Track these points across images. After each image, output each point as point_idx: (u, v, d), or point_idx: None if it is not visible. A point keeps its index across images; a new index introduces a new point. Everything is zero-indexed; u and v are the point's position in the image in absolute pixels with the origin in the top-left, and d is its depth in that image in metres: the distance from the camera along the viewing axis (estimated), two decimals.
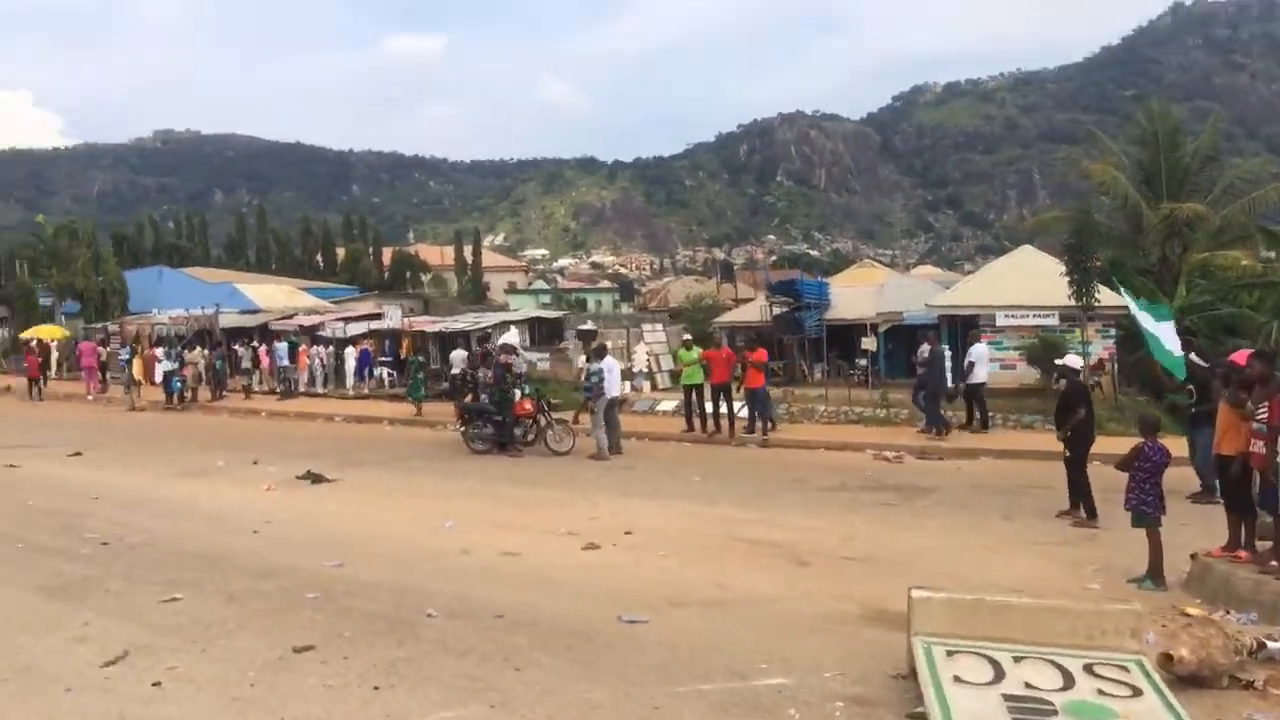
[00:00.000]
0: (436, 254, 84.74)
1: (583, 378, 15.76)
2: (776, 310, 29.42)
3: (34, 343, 34.39)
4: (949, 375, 18.30)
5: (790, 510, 10.82)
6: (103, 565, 8.43)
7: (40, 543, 9.35)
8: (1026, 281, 24.11)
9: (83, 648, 6.23)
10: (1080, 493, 10.04)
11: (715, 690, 5.39)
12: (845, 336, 28.91)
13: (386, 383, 27.52)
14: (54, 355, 35.56)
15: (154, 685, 5.56)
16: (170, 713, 5.17)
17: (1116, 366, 21.41)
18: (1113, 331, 23.07)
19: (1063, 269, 20.48)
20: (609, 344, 19.05)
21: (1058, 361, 11.57)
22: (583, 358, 15.88)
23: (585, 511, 10.76)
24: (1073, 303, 20.33)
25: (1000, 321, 23.60)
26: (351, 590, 7.52)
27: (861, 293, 31.36)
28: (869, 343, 24.29)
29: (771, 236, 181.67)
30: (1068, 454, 10.10)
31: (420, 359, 23.69)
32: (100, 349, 31.90)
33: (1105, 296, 20.76)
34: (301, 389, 27.63)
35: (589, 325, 28.38)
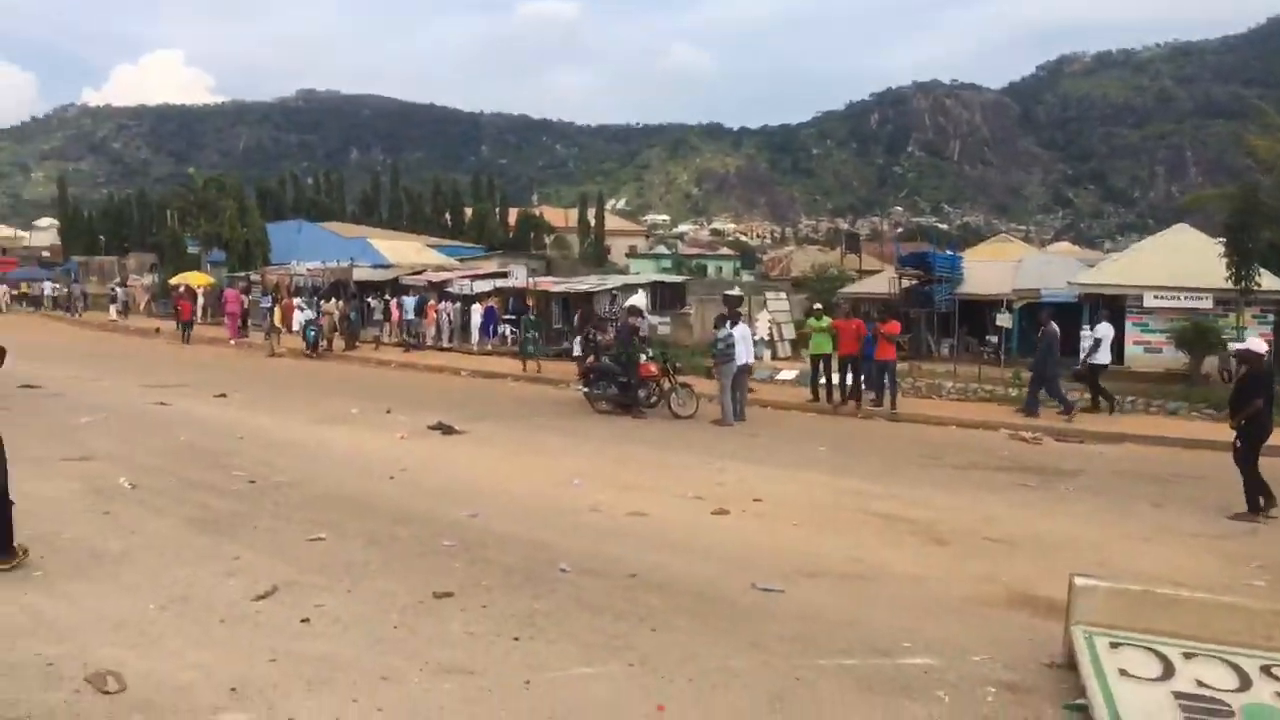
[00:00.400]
0: (560, 216, 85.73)
1: (714, 343, 15.57)
2: (905, 283, 28.63)
3: (182, 288, 36.27)
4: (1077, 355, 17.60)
5: (923, 487, 10.48)
6: (250, 502, 8.76)
7: (191, 478, 9.77)
8: (1178, 261, 22.79)
9: (234, 581, 6.45)
10: (1255, 489, 9.35)
11: (858, 666, 5.23)
12: (976, 312, 27.94)
13: (509, 340, 27.98)
14: (200, 301, 37.35)
15: (302, 621, 5.71)
16: (319, 649, 5.29)
17: (1274, 354, 20.08)
18: (1270, 317, 21.65)
19: (1220, 250, 19.24)
20: (742, 310, 18.74)
21: (1237, 346, 10.83)
22: (727, 321, 15.67)
23: (711, 476, 10.66)
24: (1230, 285, 19.10)
25: (1149, 303, 22.41)
26: (485, 540, 7.61)
27: (996, 268, 30.23)
28: (1005, 319, 23.39)
29: (899, 208, 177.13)
30: (1238, 445, 9.42)
31: (532, 317, 24.06)
32: (243, 297, 33.39)
33: (1266, 280, 19.45)
34: (429, 343, 28.36)
35: (736, 291, 28.14)
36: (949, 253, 33.15)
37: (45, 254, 77.23)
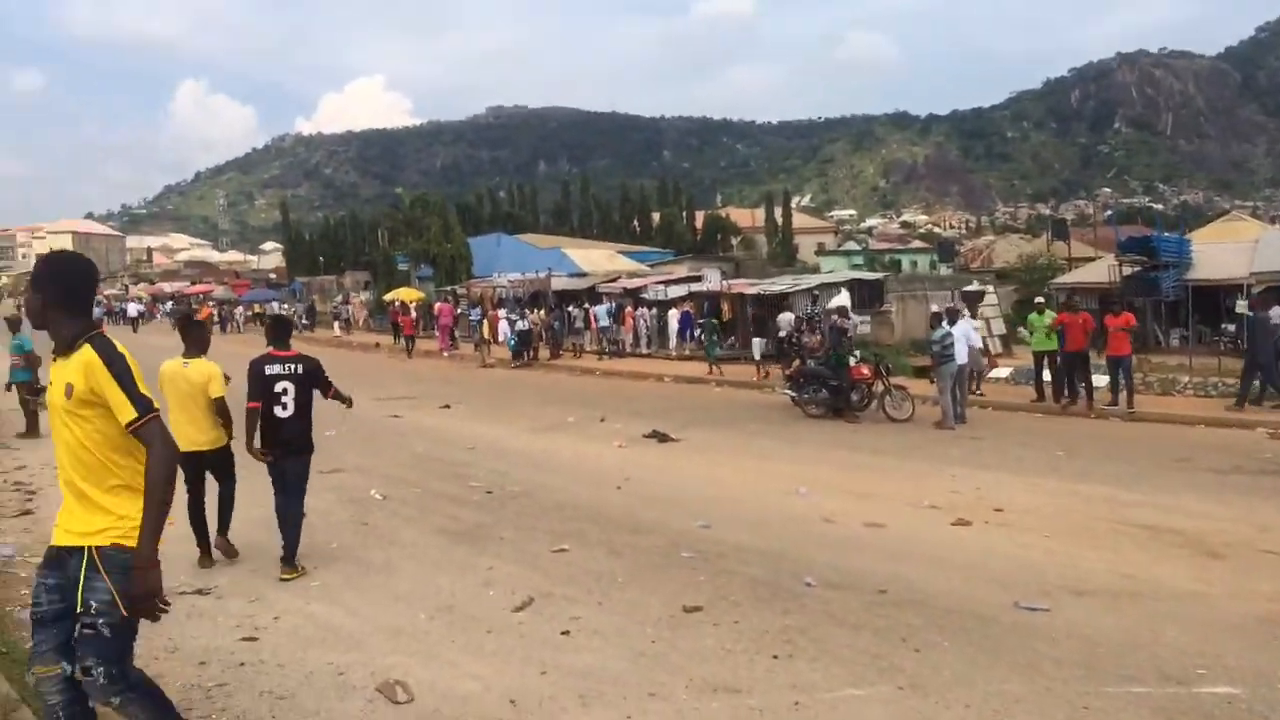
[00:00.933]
0: (745, 216, 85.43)
1: (931, 342, 15.03)
2: (1127, 270, 26.74)
3: (397, 304, 38.44)
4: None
5: (1181, 493, 9.69)
6: (492, 513, 9.10)
7: (434, 488, 10.26)
8: None
9: (492, 591, 6.70)
10: None
11: (1151, 694, 4.84)
12: (1208, 299, 25.78)
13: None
14: (413, 315, 39.44)
15: (563, 634, 5.85)
16: (584, 662, 5.40)
17: None
18: None
19: None
20: (960, 308, 18.03)
21: None
22: (944, 319, 15.14)
23: (943, 484, 10.25)
24: None
25: None
26: (723, 552, 7.59)
27: (1229, 249, 27.76)
28: (1243, 306, 21.45)
29: (1106, 189, 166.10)
30: None
31: (714, 320, 24.16)
32: (453, 310, 35.01)
33: None
34: (628, 349, 28.83)
35: (975, 286, 27.20)
36: (1175, 235, 30.71)
37: (272, 275, 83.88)
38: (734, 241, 71.60)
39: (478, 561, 7.45)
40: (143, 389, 3.25)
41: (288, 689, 5.06)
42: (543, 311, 30.68)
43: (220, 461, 7.46)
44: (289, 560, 7.07)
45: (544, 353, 28.43)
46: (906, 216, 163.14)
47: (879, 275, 33.41)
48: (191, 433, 7.19)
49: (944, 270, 53.28)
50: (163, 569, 3.23)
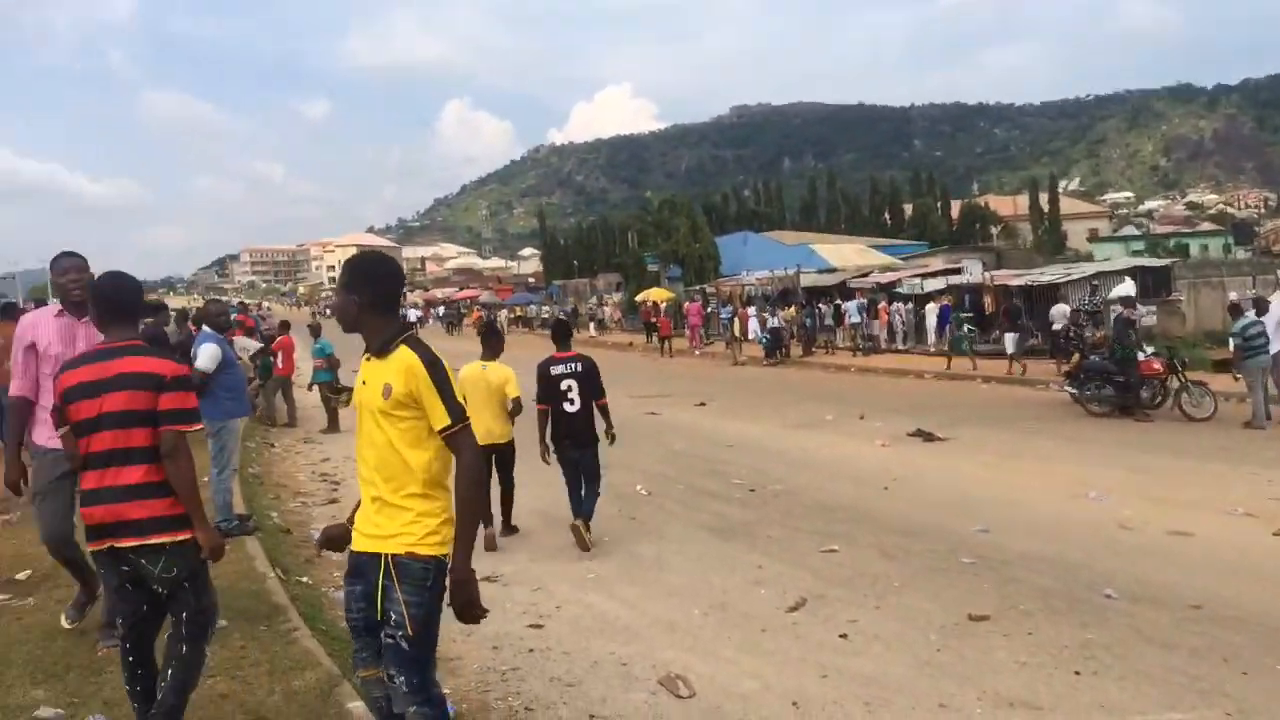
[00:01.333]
0: (1006, 204, 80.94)
1: (1234, 333, 13.52)
2: None
3: (649, 304, 39.40)
4: None
5: None
6: (756, 510, 9.05)
7: (697, 485, 10.34)
8: None
9: (764, 590, 6.63)
10: None
11: None
12: None
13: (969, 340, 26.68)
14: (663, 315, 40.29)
15: (840, 637, 5.68)
16: (865, 667, 5.21)
17: None
18: None
19: None
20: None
21: None
22: (1251, 308, 13.62)
23: (1258, 489, 9.17)
24: None
25: None
26: (1007, 559, 7.13)
27: None
28: None
29: None
30: None
31: (962, 314, 22.98)
32: (703, 309, 35.41)
33: None
34: (883, 345, 27.99)
35: None
36: None
37: (531, 280, 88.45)
38: (993, 231, 67.98)
39: (746, 559, 7.41)
40: (458, 396, 3.21)
41: (575, 676, 5.21)
42: (793, 309, 30.39)
43: (509, 455, 8.17)
44: (588, 515, 7.92)
45: (796, 350, 28.15)
46: (1192, 197, 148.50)
47: (1164, 262, 30.58)
48: (488, 427, 7.86)
49: (1240, 254, 48.00)
50: (450, 540, 3.27)
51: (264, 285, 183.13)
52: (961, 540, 7.72)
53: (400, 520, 3.16)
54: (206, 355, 7.92)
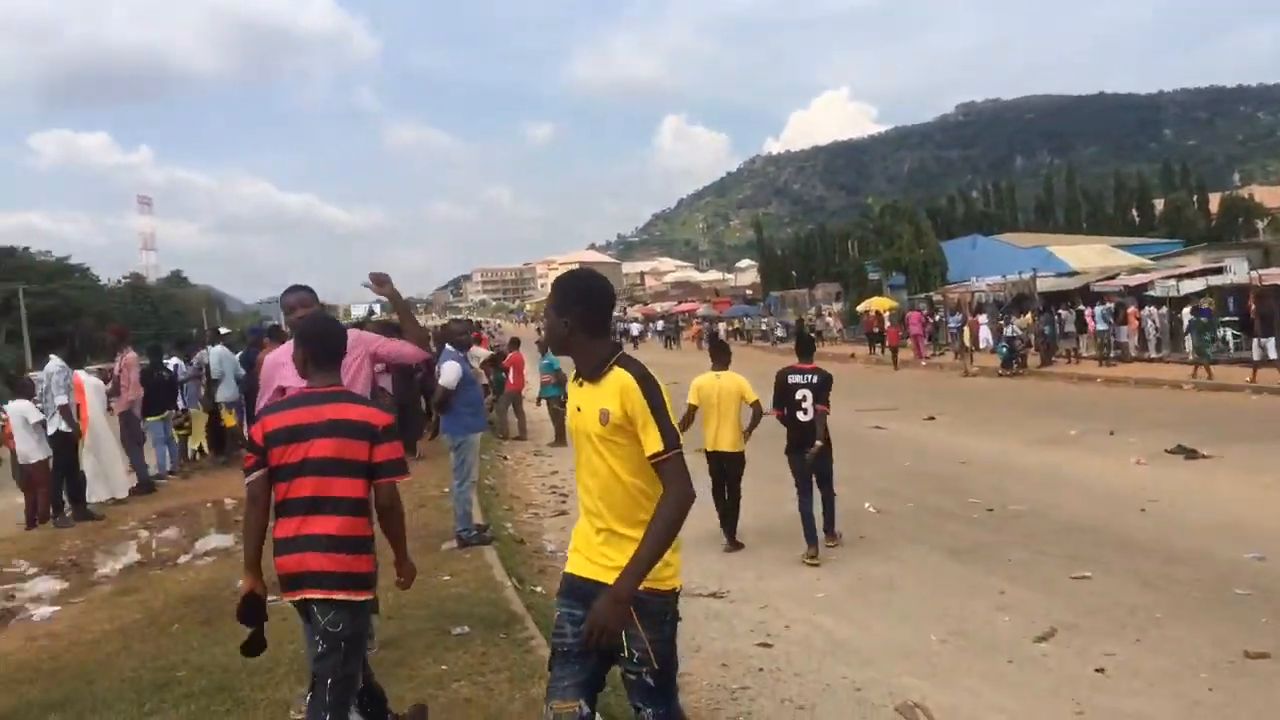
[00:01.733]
0: (1274, 195, 73.21)
1: None
2: None
3: (872, 313, 38.43)
4: None
5: None
6: (995, 532, 8.56)
7: (930, 504, 9.91)
8: None
9: (1007, 617, 6.24)
10: None
11: None
12: None
13: (1231, 346, 24.24)
14: (886, 324, 39.15)
15: (1096, 671, 5.26)
16: (1127, 706, 4.79)
17: None
18: None
19: None
20: None
21: None
22: None
23: None
24: None
25: None
26: None
27: None
28: None
29: None
30: None
31: (1203, 319, 20.83)
32: (926, 318, 34.09)
33: None
34: (1132, 353, 25.92)
35: None
36: None
37: (748, 292, 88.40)
38: (1259, 225, 61.56)
39: (986, 583, 7.01)
40: (673, 421, 2.95)
41: (807, 699, 5.10)
42: (1029, 315, 28.71)
43: (736, 465, 8.42)
44: (829, 530, 8.30)
45: (1033, 360, 26.55)
46: None
47: None
48: (721, 435, 8.31)
49: None
50: (681, 569, 3.11)
51: (494, 303, 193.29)
52: (1233, 568, 6.98)
53: (631, 553, 2.91)
54: (450, 373, 8.39)
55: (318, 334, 3.83)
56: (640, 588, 2.87)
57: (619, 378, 2.97)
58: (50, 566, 8.85)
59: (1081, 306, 28.95)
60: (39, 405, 10.96)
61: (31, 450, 10.92)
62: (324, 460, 3.50)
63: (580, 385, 3.11)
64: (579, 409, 3.10)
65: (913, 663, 5.57)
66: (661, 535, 2.86)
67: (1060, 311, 29.72)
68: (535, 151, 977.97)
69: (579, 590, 3.04)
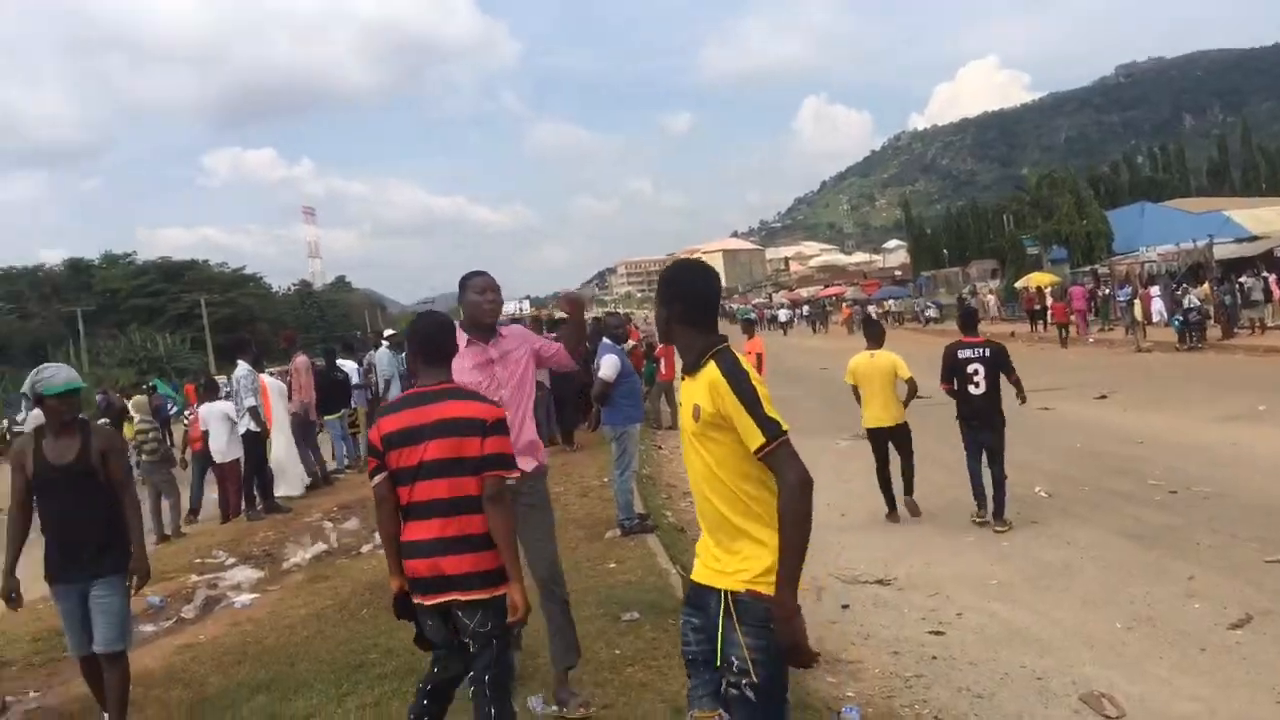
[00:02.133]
0: None
1: None
2: None
3: (1032, 290, 36.92)
4: None
5: None
6: (1180, 515, 8.12)
7: (1106, 486, 9.48)
8: None
9: (1197, 604, 5.94)
10: None
11: None
12: None
13: None
14: (1049, 300, 37.46)
15: None
16: None
17: None
18: None
19: None
20: None
21: None
22: None
23: None
24: None
25: None
26: None
27: None
28: None
29: None
30: None
31: None
32: (1088, 291, 32.42)
33: None
34: None
35: None
36: None
37: (897, 273, 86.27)
38: None
39: (1173, 568, 6.69)
40: (769, 411, 2.74)
41: (985, 688, 5.00)
42: (1207, 285, 26.95)
43: (901, 436, 8.73)
44: (999, 515, 8.12)
45: (1213, 332, 24.92)
46: None
47: None
48: (879, 412, 8.68)
49: None
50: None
51: (639, 295, 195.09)
52: None
53: (739, 555, 2.81)
54: (609, 366, 8.59)
55: (430, 332, 3.74)
56: (741, 588, 2.77)
57: (710, 373, 2.85)
58: (246, 556, 9.53)
59: (1267, 274, 26.98)
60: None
61: (227, 449, 11.77)
62: (439, 462, 3.49)
63: (684, 380, 3.03)
64: (681, 404, 3.03)
65: (1097, 651, 5.38)
66: (793, 533, 2.69)
67: (1243, 279, 27.77)
68: (674, 142, 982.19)
69: (695, 597, 2.98)
